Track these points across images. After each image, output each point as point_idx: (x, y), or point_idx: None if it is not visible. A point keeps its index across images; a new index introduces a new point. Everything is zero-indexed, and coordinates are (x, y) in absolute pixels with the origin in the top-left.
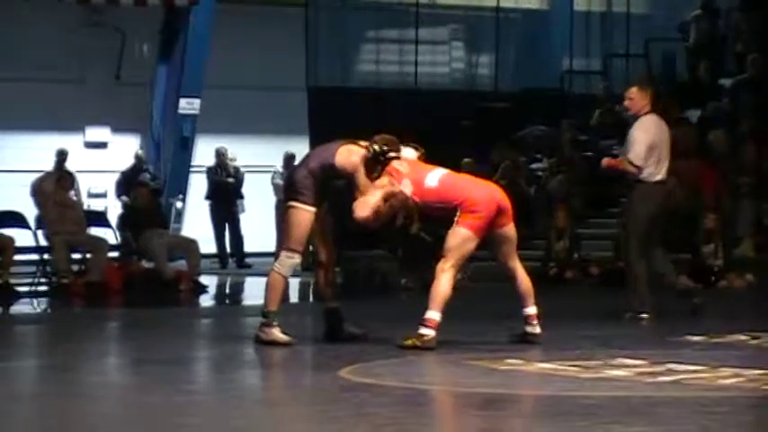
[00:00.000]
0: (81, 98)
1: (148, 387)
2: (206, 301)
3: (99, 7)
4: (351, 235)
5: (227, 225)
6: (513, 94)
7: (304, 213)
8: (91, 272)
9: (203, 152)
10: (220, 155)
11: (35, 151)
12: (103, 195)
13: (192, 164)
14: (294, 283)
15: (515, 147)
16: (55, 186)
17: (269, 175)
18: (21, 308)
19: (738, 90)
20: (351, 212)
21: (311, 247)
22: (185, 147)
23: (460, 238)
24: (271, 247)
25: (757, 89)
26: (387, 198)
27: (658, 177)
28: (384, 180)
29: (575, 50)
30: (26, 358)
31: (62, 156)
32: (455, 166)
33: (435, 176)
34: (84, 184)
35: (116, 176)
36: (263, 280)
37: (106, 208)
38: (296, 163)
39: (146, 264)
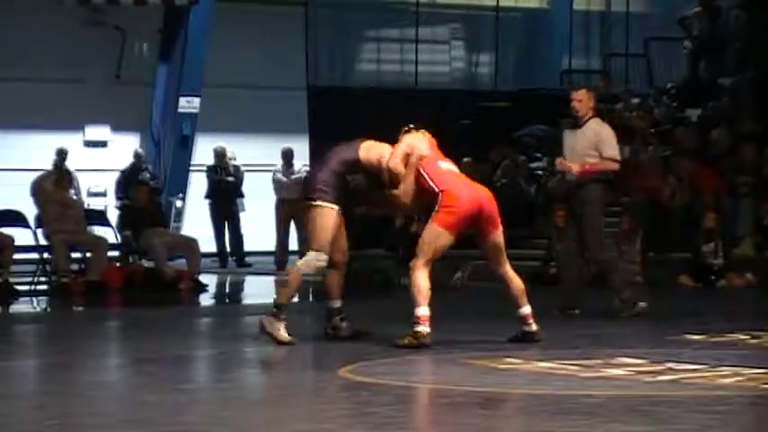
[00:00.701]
0: (81, 97)
1: (148, 386)
2: (206, 300)
3: (99, 7)
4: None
5: (226, 224)
6: (513, 94)
7: (329, 212)
8: (91, 271)
9: (203, 151)
10: (219, 154)
11: (35, 150)
12: (103, 194)
13: (192, 163)
14: (269, 282)
15: (515, 146)
16: (54, 186)
17: (269, 174)
18: (21, 307)
19: (738, 89)
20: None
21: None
22: (185, 146)
23: (433, 234)
24: (270, 246)
25: (757, 88)
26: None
27: (609, 175)
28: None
29: (574, 50)
30: (26, 357)
31: (62, 155)
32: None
33: (444, 164)
34: (84, 183)
35: (116, 175)
36: (263, 279)
37: (106, 207)
38: (305, 163)
39: (146, 263)
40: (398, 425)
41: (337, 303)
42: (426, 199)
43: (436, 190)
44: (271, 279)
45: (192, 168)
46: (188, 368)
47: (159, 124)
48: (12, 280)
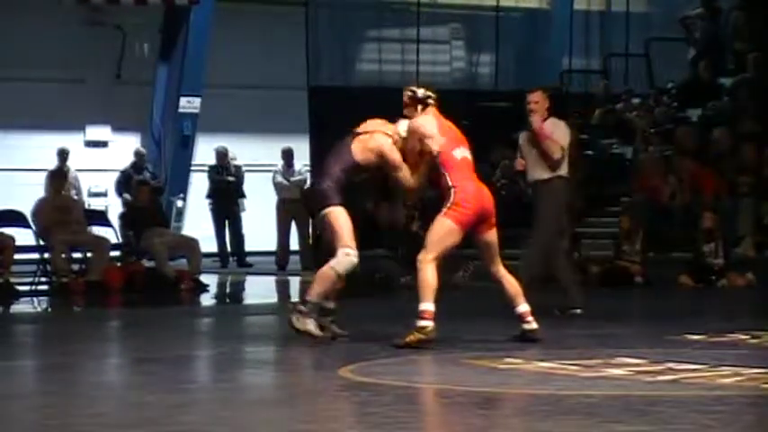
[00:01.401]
0: (81, 97)
1: (149, 386)
2: (207, 300)
3: (99, 6)
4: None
5: (227, 224)
6: (513, 94)
7: (340, 211)
8: (91, 271)
9: (204, 151)
10: (221, 154)
11: (36, 150)
12: (104, 194)
13: (193, 163)
14: (295, 282)
15: (515, 146)
16: (52, 191)
17: (269, 175)
18: (21, 307)
19: (738, 89)
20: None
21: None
22: (186, 146)
23: (445, 230)
24: (271, 246)
25: (757, 88)
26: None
27: (563, 173)
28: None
29: (574, 50)
30: (26, 357)
31: (63, 155)
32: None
33: (460, 152)
34: (85, 183)
35: (116, 175)
36: (264, 279)
37: (107, 207)
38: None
39: (146, 263)
40: (399, 425)
41: (330, 305)
42: (434, 183)
43: (450, 185)
44: (271, 279)
45: (192, 168)
46: (188, 368)
47: (160, 124)
48: (12, 280)
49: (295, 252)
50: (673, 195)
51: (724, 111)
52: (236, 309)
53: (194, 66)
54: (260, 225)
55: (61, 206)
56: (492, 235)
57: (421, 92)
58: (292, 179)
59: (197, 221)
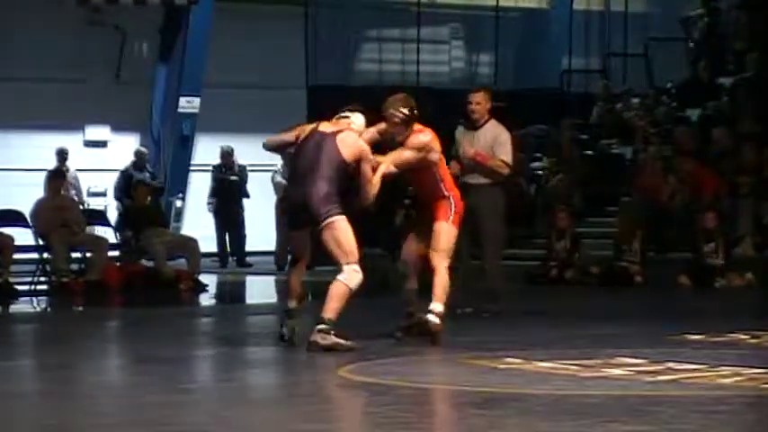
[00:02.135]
0: (81, 97)
1: (148, 386)
2: (206, 300)
3: (99, 7)
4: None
5: (230, 223)
6: (513, 93)
7: (342, 222)
8: (90, 271)
9: (203, 151)
10: (225, 153)
11: (35, 150)
12: (103, 194)
13: (192, 163)
14: (269, 283)
15: (515, 146)
16: (50, 191)
17: (269, 174)
18: (20, 307)
19: (738, 89)
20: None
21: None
22: (185, 146)
23: (453, 235)
24: (270, 246)
25: (757, 88)
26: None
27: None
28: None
29: (574, 49)
30: (26, 357)
31: (62, 155)
32: None
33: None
34: (84, 183)
35: (116, 176)
36: (263, 279)
37: (106, 207)
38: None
39: (145, 263)
40: (398, 425)
41: (294, 304)
42: (425, 193)
43: (446, 194)
44: (271, 279)
45: (191, 168)
46: (188, 368)
47: (159, 124)
48: (12, 280)
49: None
50: (672, 195)
51: (723, 111)
52: (235, 309)
53: (194, 66)
54: (260, 225)
55: (60, 206)
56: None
57: (408, 111)
58: None
59: (196, 221)
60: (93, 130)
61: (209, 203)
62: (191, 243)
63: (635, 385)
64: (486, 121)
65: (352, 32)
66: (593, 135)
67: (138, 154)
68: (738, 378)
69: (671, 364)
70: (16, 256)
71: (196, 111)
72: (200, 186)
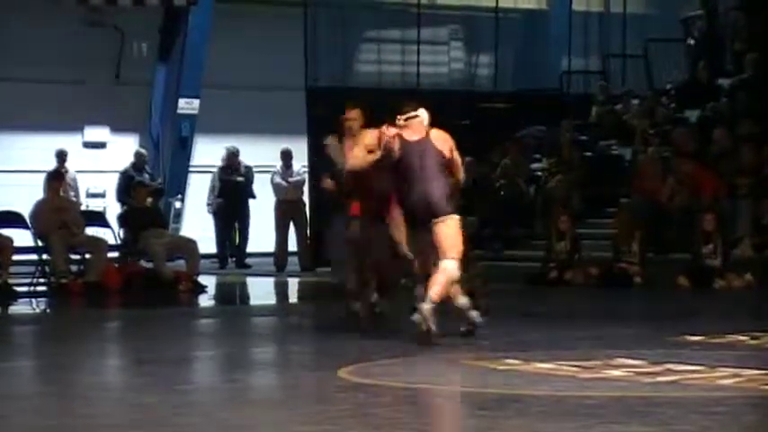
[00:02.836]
0: (80, 98)
1: (148, 387)
2: (205, 301)
3: (98, 7)
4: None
5: (235, 224)
6: (513, 95)
7: (456, 221)
8: (90, 272)
9: (202, 152)
10: (231, 154)
11: (34, 151)
12: (102, 195)
13: (191, 164)
14: (293, 283)
15: (515, 147)
16: (49, 191)
17: (268, 176)
18: (20, 308)
19: (737, 90)
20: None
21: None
22: (184, 147)
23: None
24: (269, 247)
25: (756, 89)
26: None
27: None
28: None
29: (573, 50)
30: (25, 358)
31: (61, 156)
32: None
33: None
34: (83, 184)
35: (115, 176)
36: (262, 280)
37: (105, 208)
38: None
39: (144, 264)
40: (398, 426)
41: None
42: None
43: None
44: (270, 280)
45: (191, 170)
46: (187, 369)
47: (159, 125)
48: (11, 281)
49: (294, 253)
50: (671, 196)
51: (723, 112)
52: (234, 310)
53: (193, 67)
54: (258, 226)
55: (60, 207)
56: None
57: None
58: (291, 180)
59: (196, 223)
60: (93, 132)
61: (209, 204)
62: (190, 244)
63: (634, 386)
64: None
65: (351, 33)
66: (592, 136)
67: (137, 155)
68: (738, 379)
69: (670, 365)
70: (15, 257)
71: (195, 112)
72: (199, 188)
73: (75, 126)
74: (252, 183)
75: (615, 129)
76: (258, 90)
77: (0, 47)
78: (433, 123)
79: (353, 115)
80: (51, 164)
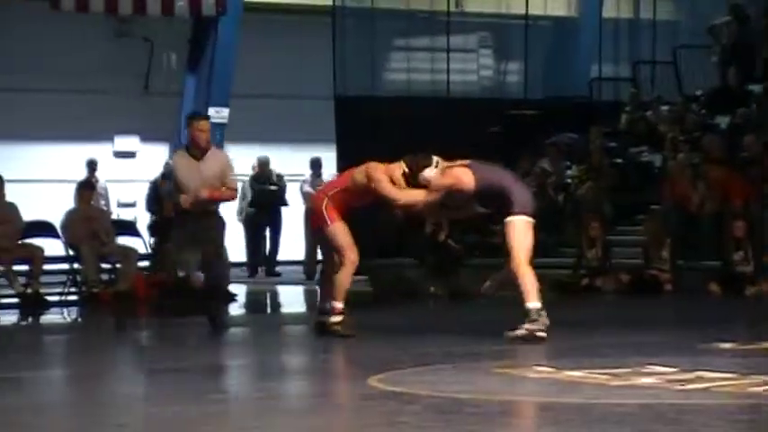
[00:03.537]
0: (110, 108)
1: (177, 396)
2: (235, 309)
3: (127, 18)
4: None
5: (267, 233)
6: (542, 102)
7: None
8: (120, 281)
9: (231, 161)
10: (263, 163)
11: (65, 161)
12: (132, 205)
13: None
14: (299, 292)
15: (555, 150)
16: (79, 201)
17: (297, 185)
18: (51, 317)
19: (767, 96)
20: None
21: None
22: None
23: None
24: (299, 255)
25: None
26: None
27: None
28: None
29: (603, 57)
30: (56, 368)
31: (92, 166)
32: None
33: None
34: (114, 193)
35: (145, 186)
36: (293, 288)
37: (135, 217)
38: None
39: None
40: None
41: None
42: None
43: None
44: (300, 289)
45: None
46: (218, 378)
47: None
48: (42, 291)
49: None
50: (701, 203)
51: (753, 118)
52: (264, 318)
53: (222, 76)
54: (288, 234)
55: (90, 217)
56: None
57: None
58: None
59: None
60: (123, 141)
61: (239, 213)
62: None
63: (665, 394)
64: (208, 150)
65: (379, 42)
66: (622, 143)
67: (167, 165)
68: None
69: (701, 373)
70: (46, 266)
71: (225, 121)
72: None
73: (105, 136)
74: (285, 191)
75: (645, 135)
76: (287, 99)
77: (31, 58)
78: (461, 132)
79: (203, 126)
80: (82, 173)
